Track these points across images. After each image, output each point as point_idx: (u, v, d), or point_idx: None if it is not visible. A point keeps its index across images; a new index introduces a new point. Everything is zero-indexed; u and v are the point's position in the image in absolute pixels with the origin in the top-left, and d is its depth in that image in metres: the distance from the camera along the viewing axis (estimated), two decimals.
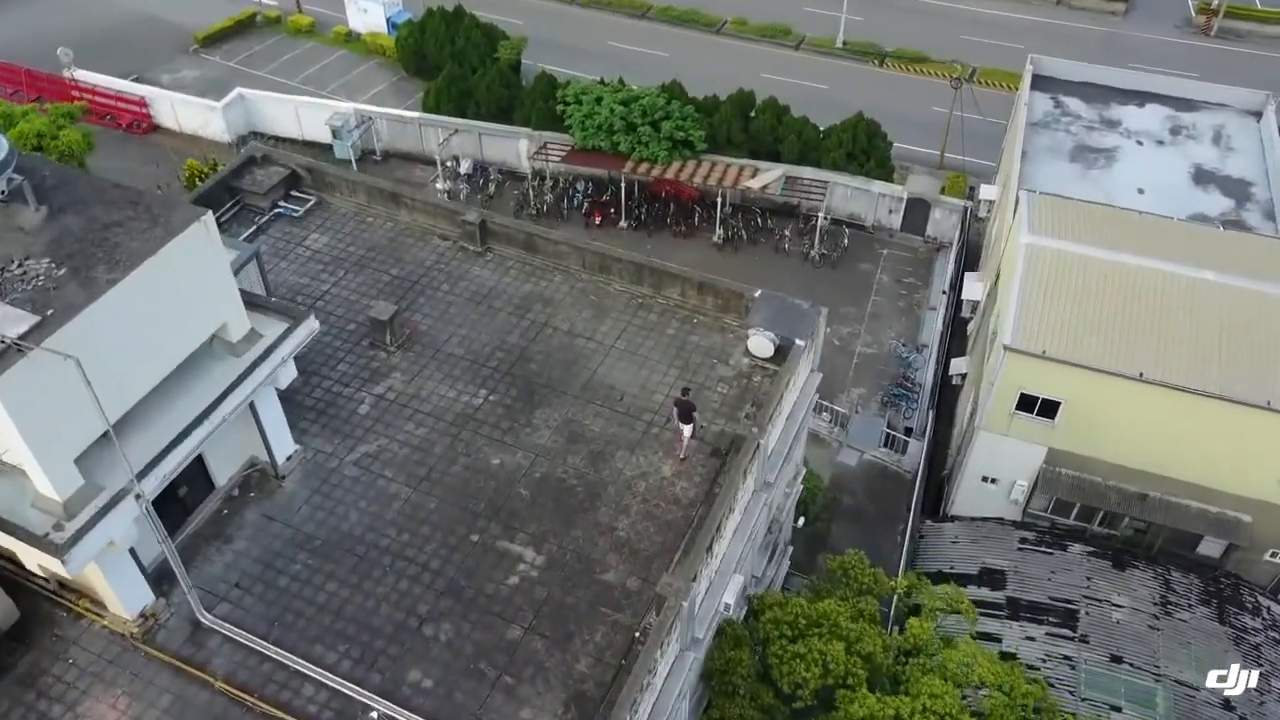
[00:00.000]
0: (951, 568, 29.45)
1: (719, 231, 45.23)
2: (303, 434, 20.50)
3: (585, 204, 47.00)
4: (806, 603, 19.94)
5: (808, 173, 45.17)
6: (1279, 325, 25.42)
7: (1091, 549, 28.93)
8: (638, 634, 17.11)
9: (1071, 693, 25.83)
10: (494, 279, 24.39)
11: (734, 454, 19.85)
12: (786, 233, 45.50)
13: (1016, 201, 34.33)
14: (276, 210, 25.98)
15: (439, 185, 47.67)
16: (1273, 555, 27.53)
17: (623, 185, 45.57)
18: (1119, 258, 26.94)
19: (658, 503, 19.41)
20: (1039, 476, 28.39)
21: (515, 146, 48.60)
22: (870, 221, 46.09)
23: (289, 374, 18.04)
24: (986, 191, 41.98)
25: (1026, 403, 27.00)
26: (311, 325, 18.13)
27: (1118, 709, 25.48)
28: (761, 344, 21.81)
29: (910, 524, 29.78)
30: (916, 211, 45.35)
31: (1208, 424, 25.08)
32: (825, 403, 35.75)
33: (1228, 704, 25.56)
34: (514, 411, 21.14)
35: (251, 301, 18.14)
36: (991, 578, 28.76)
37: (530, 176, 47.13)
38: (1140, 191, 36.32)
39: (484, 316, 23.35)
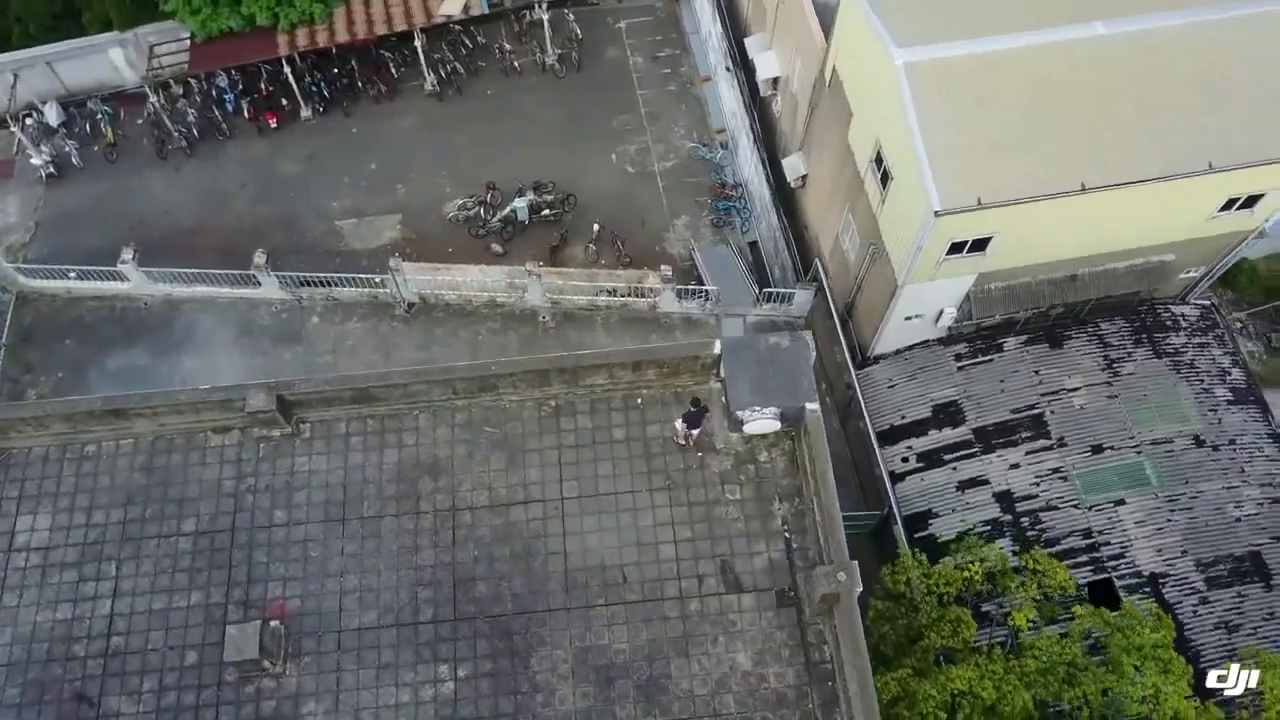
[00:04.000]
0: (903, 418, 27.11)
1: (429, 77, 35.45)
2: None
3: (246, 106, 35.12)
4: (935, 690, 16.65)
5: None
6: (1186, 67, 22.21)
7: (1025, 336, 27.20)
8: None
9: (1076, 506, 25.21)
10: (337, 467, 16.64)
11: (814, 608, 15.18)
12: (506, 46, 36.33)
13: None
14: None
15: (34, 159, 33.83)
16: (1185, 273, 26.87)
17: (284, 66, 34.03)
18: (1002, 44, 22.13)
19: (763, 715, 14.80)
20: (969, 299, 25.51)
21: (109, 61, 34.71)
22: None
23: None
24: None
25: (956, 247, 23.21)
26: None
27: (1121, 502, 25.20)
28: (763, 425, 16.22)
29: (855, 383, 26.69)
30: None
31: (1143, 201, 22.49)
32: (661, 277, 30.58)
33: (1198, 440, 25.97)
34: (504, 677, 15.09)
35: None
36: (948, 414, 26.73)
37: (153, 96, 34.10)
38: None
39: (365, 539, 16.04)
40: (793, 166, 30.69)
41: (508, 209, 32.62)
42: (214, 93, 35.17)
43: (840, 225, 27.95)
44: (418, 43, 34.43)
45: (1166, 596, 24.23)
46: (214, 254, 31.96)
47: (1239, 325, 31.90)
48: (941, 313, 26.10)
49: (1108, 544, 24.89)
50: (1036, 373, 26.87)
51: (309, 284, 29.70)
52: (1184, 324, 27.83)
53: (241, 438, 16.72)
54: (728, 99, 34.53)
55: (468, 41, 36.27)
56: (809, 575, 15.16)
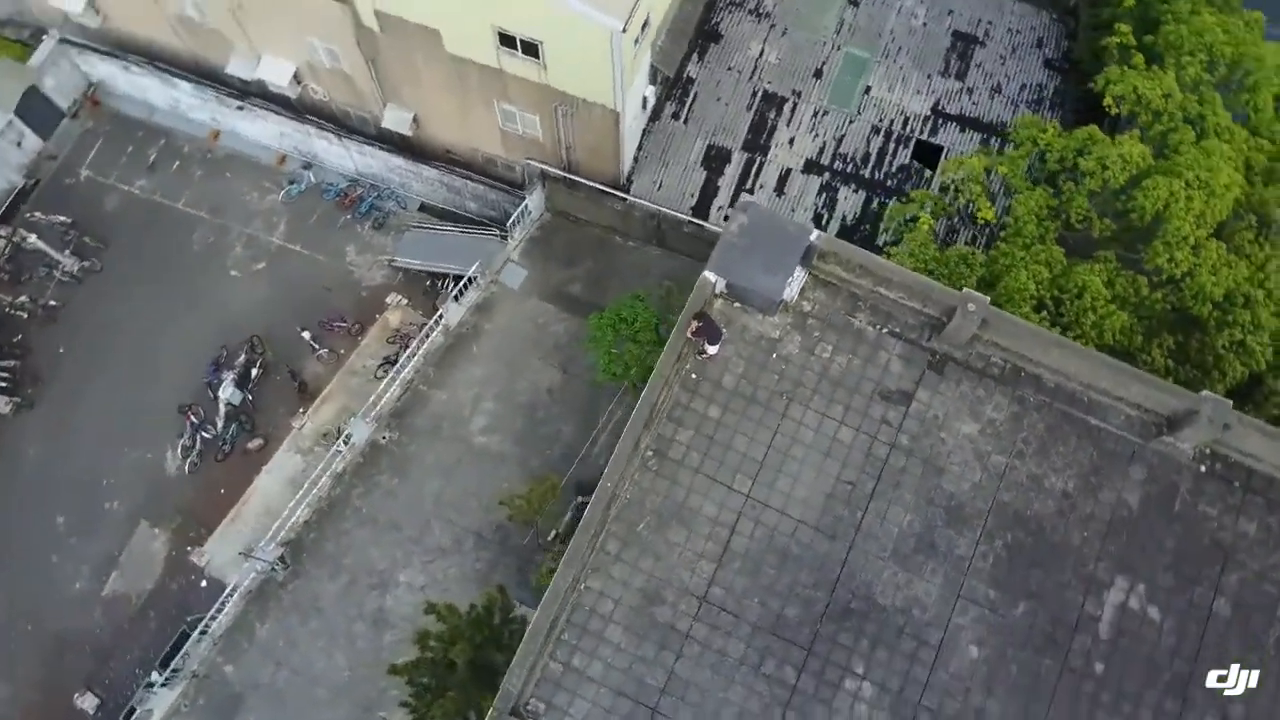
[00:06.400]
0: (693, 196, 27.77)
1: None
2: None
3: None
4: (1025, 314, 18.53)
5: None
6: None
7: (683, 55, 28.22)
8: None
9: (852, 121, 27.81)
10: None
11: (965, 349, 16.27)
12: (20, 300, 29.44)
13: None
14: None
15: None
16: None
17: None
18: None
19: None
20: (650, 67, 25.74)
21: None
22: None
23: None
24: None
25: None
26: None
27: (868, 90, 28.02)
28: (799, 283, 16.25)
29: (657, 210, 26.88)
30: None
31: None
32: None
33: (853, 1, 28.94)
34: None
35: None
36: (716, 157, 27.75)
37: None
38: None
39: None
40: (396, 119, 28.28)
41: (221, 409, 28.09)
42: None
43: (499, 120, 26.64)
44: None
45: (950, 110, 27.85)
46: None
47: None
48: (644, 99, 26.28)
49: (892, 121, 27.87)
50: (730, 69, 28.22)
51: (174, 655, 24.54)
52: None
53: None
54: (259, 130, 30.55)
55: None
56: (942, 337, 16.10)
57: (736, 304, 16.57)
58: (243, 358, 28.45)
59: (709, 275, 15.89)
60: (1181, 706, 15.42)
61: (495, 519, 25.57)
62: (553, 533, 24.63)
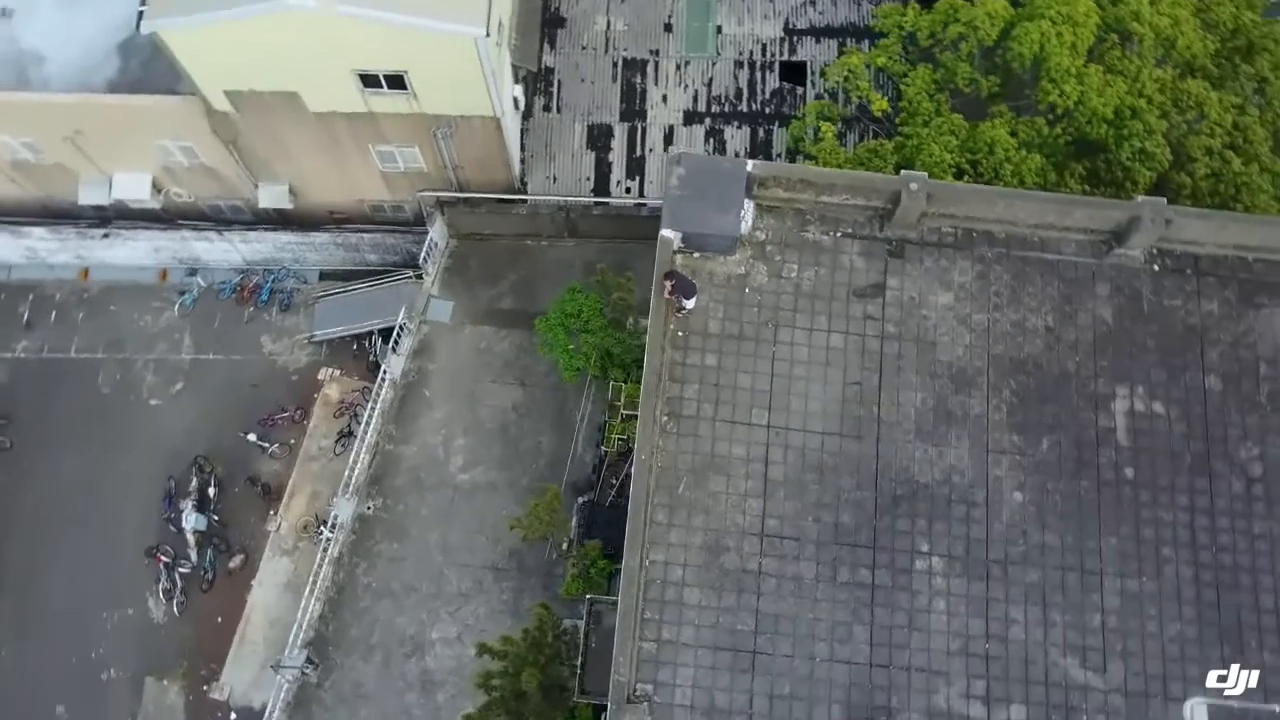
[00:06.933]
0: (589, 179, 27.88)
1: None
2: None
3: None
4: (950, 175, 19.41)
5: None
6: None
7: (540, 38, 28.31)
8: None
9: (713, 63, 28.30)
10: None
11: (920, 228, 16.90)
12: None
13: None
14: None
15: None
16: None
17: None
18: None
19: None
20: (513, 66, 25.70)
21: None
22: None
23: None
24: None
25: None
26: None
27: (719, 29, 28.56)
28: (751, 214, 16.57)
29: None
30: None
31: None
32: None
33: None
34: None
35: None
36: (599, 139, 27.90)
37: None
38: None
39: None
40: (273, 195, 27.38)
41: (190, 539, 27.11)
42: None
43: (378, 163, 26.21)
44: None
45: (801, 26, 28.68)
46: None
47: None
48: (515, 99, 26.22)
49: (752, 52, 28.53)
50: (584, 48, 28.44)
51: None
52: None
53: None
54: (131, 252, 29.33)
55: None
56: (893, 223, 16.75)
57: (697, 254, 16.82)
58: (194, 482, 27.37)
59: (666, 233, 16.09)
60: (1209, 482, 16.47)
61: (505, 547, 25.32)
62: (566, 541, 24.53)
